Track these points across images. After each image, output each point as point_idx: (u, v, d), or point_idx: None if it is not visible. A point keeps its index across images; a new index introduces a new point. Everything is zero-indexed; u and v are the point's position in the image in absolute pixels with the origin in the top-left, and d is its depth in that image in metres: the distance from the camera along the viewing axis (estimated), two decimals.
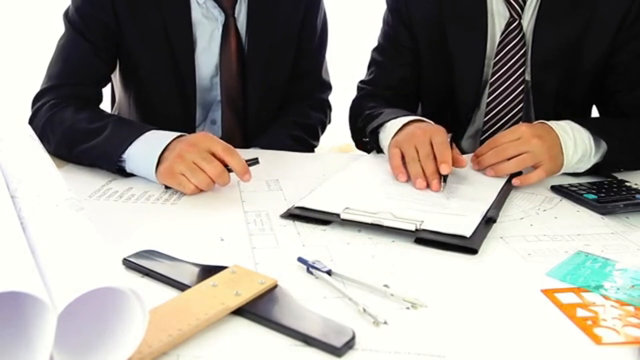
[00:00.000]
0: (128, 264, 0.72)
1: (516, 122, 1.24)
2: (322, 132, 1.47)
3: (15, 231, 0.56)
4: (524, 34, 1.21)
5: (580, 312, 0.65)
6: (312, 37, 1.41)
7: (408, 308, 0.65)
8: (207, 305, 0.61)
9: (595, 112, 1.34)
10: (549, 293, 0.69)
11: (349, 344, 0.57)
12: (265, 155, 1.07)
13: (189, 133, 1.03)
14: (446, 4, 1.25)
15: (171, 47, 1.24)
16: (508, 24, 1.22)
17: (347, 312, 0.64)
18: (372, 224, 0.84)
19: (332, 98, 1.51)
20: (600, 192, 1.00)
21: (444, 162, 0.99)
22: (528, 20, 1.22)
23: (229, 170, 0.97)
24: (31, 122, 1.17)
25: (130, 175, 1.03)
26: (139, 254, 0.74)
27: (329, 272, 0.71)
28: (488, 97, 1.25)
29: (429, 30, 1.28)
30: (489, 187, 1.00)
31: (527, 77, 1.24)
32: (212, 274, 0.68)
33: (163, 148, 0.98)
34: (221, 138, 1.16)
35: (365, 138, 1.23)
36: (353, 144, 1.38)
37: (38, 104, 1.18)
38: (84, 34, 1.20)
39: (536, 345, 0.60)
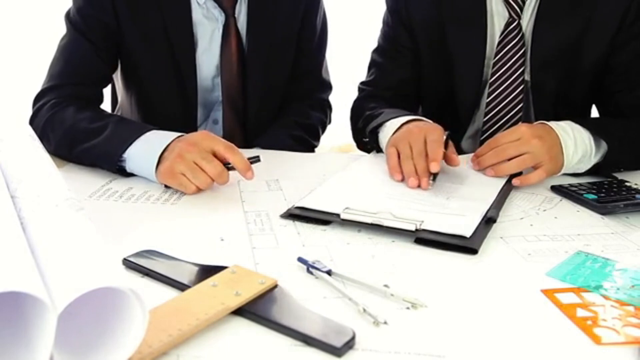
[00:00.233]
0: (128, 264, 0.72)
1: (516, 122, 1.24)
2: (323, 132, 1.47)
3: (15, 231, 0.56)
4: (523, 34, 1.21)
5: (580, 312, 0.65)
6: (312, 37, 1.41)
7: (408, 308, 0.65)
8: (207, 305, 0.61)
9: (595, 112, 1.34)
10: (549, 293, 0.69)
11: (349, 344, 0.57)
12: (265, 155, 1.07)
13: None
14: (446, 4, 1.25)
15: (172, 47, 1.24)
16: (507, 24, 1.22)
17: (347, 312, 0.64)
18: (372, 224, 0.84)
19: (332, 98, 1.51)
20: (600, 192, 1.00)
21: (433, 160, 1.00)
22: (527, 20, 1.22)
23: (229, 169, 0.97)
24: (32, 121, 1.17)
25: (130, 175, 1.03)
26: (139, 254, 0.74)
27: (329, 272, 0.71)
28: (488, 97, 1.25)
29: (428, 31, 1.28)
30: (489, 187, 1.00)
31: (527, 77, 1.24)
32: (212, 274, 0.68)
33: (163, 148, 0.98)
34: (222, 138, 1.16)
35: (366, 138, 1.23)
36: (353, 144, 1.38)
37: (39, 103, 1.18)
38: (85, 34, 1.20)
39: (536, 345, 0.60)
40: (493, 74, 1.24)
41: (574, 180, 1.06)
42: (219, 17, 1.27)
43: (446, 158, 1.06)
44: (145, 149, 1.00)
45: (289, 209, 0.90)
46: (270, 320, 0.61)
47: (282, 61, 1.36)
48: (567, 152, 1.05)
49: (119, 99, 1.43)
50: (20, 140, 0.75)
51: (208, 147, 0.96)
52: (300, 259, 0.73)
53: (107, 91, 1.36)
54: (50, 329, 0.47)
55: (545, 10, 1.19)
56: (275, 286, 0.67)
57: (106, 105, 1.40)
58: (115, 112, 1.45)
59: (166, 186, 0.99)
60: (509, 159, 1.04)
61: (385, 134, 1.14)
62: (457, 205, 0.92)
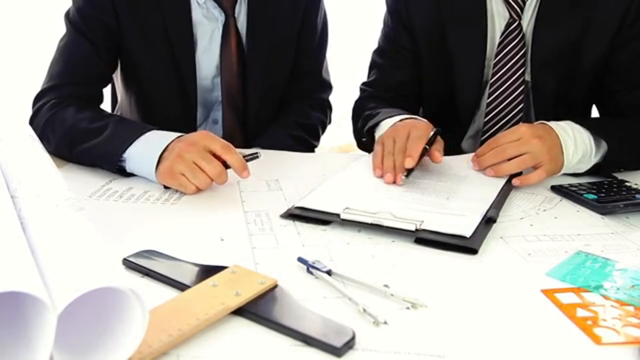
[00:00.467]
0: (128, 264, 0.72)
1: (516, 123, 1.24)
2: (323, 132, 1.47)
3: (15, 231, 0.56)
4: (523, 35, 1.21)
5: (580, 312, 0.65)
6: (312, 37, 1.41)
7: (408, 308, 0.65)
8: (207, 305, 0.61)
9: (595, 112, 1.34)
10: (549, 293, 0.69)
11: (349, 344, 0.58)
12: (265, 155, 1.07)
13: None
14: (445, 5, 1.25)
15: (171, 47, 1.24)
16: (508, 25, 1.22)
17: (347, 312, 0.64)
18: (372, 224, 0.84)
19: (333, 98, 1.51)
20: (600, 192, 1.00)
21: (408, 156, 1.01)
22: (528, 20, 1.22)
23: (227, 167, 0.97)
24: (32, 121, 1.17)
25: (130, 175, 1.03)
26: (139, 254, 0.74)
27: (329, 272, 0.71)
28: (488, 98, 1.25)
29: (428, 31, 1.28)
30: (489, 187, 1.00)
31: (527, 77, 1.24)
32: (212, 274, 0.68)
33: (163, 148, 0.98)
34: (222, 138, 1.16)
35: (364, 138, 1.23)
36: (353, 144, 1.39)
37: (39, 103, 1.18)
38: (85, 34, 1.20)
39: (536, 345, 0.60)
40: (493, 75, 1.24)
41: (574, 180, 1.06)
42: (219, 17, 1.27)
43: (429, 154, 1.06)
44: (145, 149, 1.00)
45: (289, 209, 0.90)
46: (270, 320, 0.61)
47: (282, 61, 1.36)
48: (567, 152, 1.05)
49: (119, 99, 1.43)
50: (20, 140, 0.75)
51: (206, 147, 0.96)
52: (300, 259, 0.73)
53: (107, 91, 1.36)
54: (50, 329, 0.47)
55: (545, 10, 1.19)
56: (275, 286, 0.67)
57: (106, 105, 1.40)
58: (115, 112, 1.45)
59: (165, 186, 0.99)
60: (509, 159, 1.04)
61: (379, 133, 1.15)
62: (457, 205, 0.92)
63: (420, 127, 1.07)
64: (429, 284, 0.71)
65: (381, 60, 1.37)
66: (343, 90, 1.60)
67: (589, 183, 1.05)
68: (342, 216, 0.85)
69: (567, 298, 0.68)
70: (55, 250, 0.54)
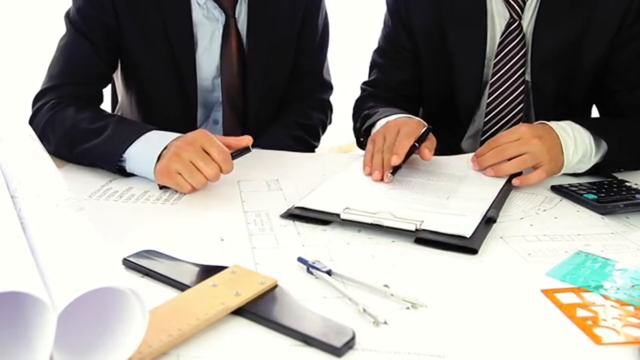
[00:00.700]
0: (128, 264, 0.72)
1: (516, 123, 1.24)
2: (323, 132, 1.47)
3: (15, 231, 0.56)
4: (524, 35, 1.21)
5: (580, 312, 0.65)
6: (313, 37, 1.41)
7: (408, 308, 0.65)
8: (207, 305, 0.61)
9: (595, 112, 1.34)
10: (549, 293, 0.69)
11: (349, 344, 0.58)
12: (265, 155, 1.07)
13: None
14: (445, 5, 1.25)
15: (172, 47, 1.24)
16: (508, 25, 1.22)
17: (347, 312, 0.64)
18: (372, 224, 0.84)
19: (333, 98, 1.51)
20: (600, 192, 1.00)
21: (395, 154, 1.01)
22: (528, 20, 1.22)
23: (233, 158, 0.99)
24: (31, 121, 1.17)
25: (130, 175, 1.03)
26: (139, 254, 0.74)
27: (329, 272, 0.71)
28: (488, 98, 1.25)
29: (428, 32, 1.28)
30: (489, 187, 1.00)
31: (527, 77, 1.24)
32: (212, 274, 0.68)
33: (162, 148, 0.98)
34: None
35: (362, 138, 1.23)
36: (353, 144, 1.39)
37: (39, 103, 1.18)
38: (85, 34, 1.20)
39: (536, 345, 0.60)
40: (493, 75, 1.24)
41: (574, 180, 1.06)
42: (219, 17, 1.27)
43: (418, 152, 1.06)
44: (145, 149, 1.00)
45: (289, 209, 0.90)
46: (270, 320, 0.61)
47: (283, 61, 1.36)
48: (567, 152, 1.05)
49: (119, 99, 1.43)
50: (20, 140, 0.75)
51: (204, 147, 0.96)
52: (300, 259, 0.74)
53: (107, 91, 1.36)
54: (50, 329, 0.47)
55: (545, 10, 1.19)
56: (275, 286, 0.67)
57: (106, 105, 1.40)
58: (115, 112, 1.45)
59: (160, 186, 0.99)
60: (509, 159, 1.04)
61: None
62: (457, 205, 0.92)
63: (410, 125, 1.07)
64: (429, 284, 0.71)
65: (381, 60, 1.37)
66: (343, 90, 1.60)
67: (589, 183, 1.05)
68: (342, 216, 0.85)
69: (567, 298, 0.68)
70: (55, 250, 0.54)
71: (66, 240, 0.55)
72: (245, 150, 1.02)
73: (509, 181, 1.04)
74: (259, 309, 0.63)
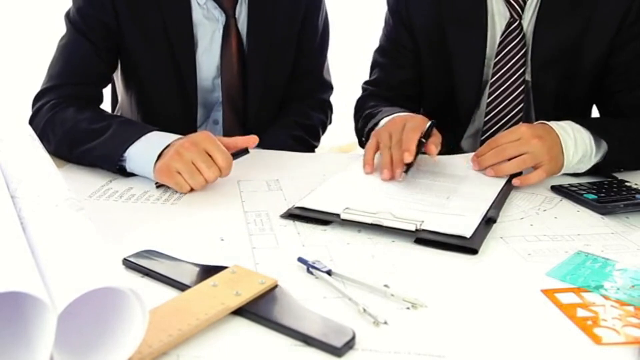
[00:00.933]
0: (128, 264, 0.72)
1: (516, 122, 1.24)
2: (323, 132, 1.47)
3: (15, 231, 0.56)
4: (524, 35, 1.21)
5: (580, 312, 0.65)
6: (313, 37, 1.41)
7: (408, 308, 0.65)
8: (207, 305, 0.61)
9: (595, 112, 1.34)
10: (549, 293, 0.69)
11: (349, 344, 0.58)
12: (265, 155, 1.07)
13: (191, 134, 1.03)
14: (446, 4, 1.25)
15: (172, 47, 1.24)
16: (508, 24, 1.22)
17: (347, 312, 0.64)
18: (372, 224, 0.84)
19: (333, 98, 1.51)
20: (600, 192, 1.00)
21: (406, 150, 1.00)
22: (528, 20, 1.22)
23: (234, 158, 0.99)
24: (31, 121, 1.17)
25: (131, 175, 1.03)
26: (139, 254, 0.74)
27: (329, 272, 0.71)
28: (488, 97, 1.25)
29: (429, 31, 1.28)
30: (489, 187, 1.00)
31: (527, 77, 1.24)
32: (212, 274, 0.68)
33: (163, 148, 0.98)
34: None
35: (364, 138, 1.23)
36: (353, 144, 1.39)
37: (39, 103, 1.18)
38: (85, 34, 1.20)
39: (536, 345, 0.60)
40: (494, 74, 1.24)
41: (574, 180, 1.06)
42: (220, 17, 1.27)
43: (425, 147, 1.05)
44: (146, 148, 1.00)
45: (289, 209, 0.90)
46: (270, 320, 0.61)
47: (283, 61, 1.36)
48: (567, 152, 1.05)
49: (119, 99, 1.43)
50: (20, 140, 0.75)
51: (207, 150, 0.96)
52: (300, 259, 0.74)
53: (107, 91, 1.36)
54: (50, 329, 0.47)
55: (546, 10, 1.19)
56: (276, 286, 0.67)
57: (106, 105, 1.40)
58: (115, 112, 1.45)
59: (157, 184, 0.98)
60: (509, 159, 1.04)
61: None
62: (457, 205, 0.92)
63: (415, 119, 1.06)
64: (429, 284, 0.71)
65: (383, 59, 1.37)
66: (343, 90, 1.60)
67: (589, 183, 1.05)
68: (342, 216, 0.85)
69: (567, 298, 0.68)
70: (55, 250, 0.54)
71: (66, 241, 0.55)
72: (244, 151, 1.03)
73: (509, 181, 1.04)
74: (259, 309, 0.63)
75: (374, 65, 1.40)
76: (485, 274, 0.74)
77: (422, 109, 1.41)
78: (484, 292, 0.70)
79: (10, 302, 0.52)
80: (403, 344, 0.59)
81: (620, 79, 1.21)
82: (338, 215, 0.86)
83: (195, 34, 1.26)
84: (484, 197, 0.95)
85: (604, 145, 1.08)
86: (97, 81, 1.25)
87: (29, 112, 1.19)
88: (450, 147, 1.31)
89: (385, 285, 0.68)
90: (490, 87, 1.25)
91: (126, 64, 1.30)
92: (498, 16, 1.24)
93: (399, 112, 1.18)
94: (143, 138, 1.02)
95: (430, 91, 1.36)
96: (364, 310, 0.63)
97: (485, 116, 1.26)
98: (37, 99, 1.19)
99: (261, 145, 1.27)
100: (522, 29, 1.21)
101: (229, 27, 1.27)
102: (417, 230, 0.82)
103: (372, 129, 1.19)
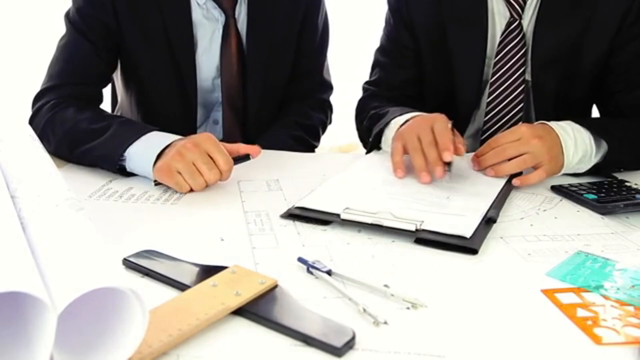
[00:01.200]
0: (128, 264, 0.72)
1: (516, 122, 1.24)
2: (323, 132, 1.47)
3: (15, 231, 0.56)
4: (524, 34, 1.21)
5: (580, 312, 0.65)
6: (313, 37, 1.41)
7: (408, 308, 0.65)
8: (207, 305, 0.61)
9: (595, 112, 1.34)
10: (549, 293, 0.69)
11: (349, 344, 0.57)
12: (265, 155, 1.07)
13: (191, 134, 1.03)
14: (446, 4, 1.25)
15: (171, 47, 1.24)
16: (508, 24, 1.22)
17: (347, 312, 0.64)
18: (372, 224, 0.84)
19: (333, 98, 1.51)
20: (600, 192, 1.00)
21: (446, 150, 0.99)
22: (528, 20, 1.22)
23: (236, 162, 0.99)
24: (31, 121, 1.17)
25: (130, 175, 1.03)
26: (139, 254, 0.74)
27: (329, 272, 0.71)
28: (488, 97, 1.25)
29: (429, 31, 1.28)
30: (489, 187, 1.00)
31: (528, 77, 1.24)
32: (212, 274, 0.68)
33: (163, 147, 0.98)
34: (222, 138, 1.16)
35: (370, 138, 1.22)
36: (353, 143, 1.39)
37: (39, 103, 1.18)
38: (85, 34, 1.20)
39: (536, 345, 0.60)
40: (494, 74, 1.24)
41: (574, 180, 1.06)
42: (219, 17, 1.27)
43: (455, 149, 1.04)
44: (146, 148, 1.00)
45: (289, 209, 0.90)
46: (270, 320, 0.61)
47: (282, 61, 1.36)
48: (568, 152, 1.05)
49: (119, 99, 1.43)
50: (20, 140, 0.75)
51: (209, 152, 0.96)
52: (300, 259, 0.73)
53: (107, 91, 1.36)
54: (50, 329, 0.47)
55: (546, 10, 1.19)
56: (275, 286, 0.67)
57: (106, 105, 1.40)
58: (115, 112, 1.45)
59: (156, 182, 0.98)
60: (509, 159, 1.04)
61: (390, 131, 1.14)
62: (457, 205, 0.92)
63: (441, 120, 1.04)
64: (429, 284, 0.71)
65: (384, 59, 1.37)
66: (343, 90, 1.60)
67: (589, 183, 1.05)
68: (342, 216, 0.85)
69: (567, 298, 0.68)
70: (55, 250, 0.54)
71: (66, 241, 0.55)
72: (245, 157, 1.02)
73: (509, 181, 1.04)
74: (259, 309, 0.63)
75: (375, 65, 1.40)
76: (485, 274, 0.74)
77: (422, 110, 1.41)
78: (484, 292, 0.70)
79: (10, 302, 0.52)
80: (403, 344, 0.59)
81: (620, 79, 1.21)
82: (338, 215, 0.86)
83: (195, 34, 1.26)
84: (484, 197, 0.95)
85: (604, 145, 1.08)
86: (97, 81, 1.25)
87: (29, 112, 1.19)
88: None
89: (385, 285, 0.68)
90: (490, 87, 1.25)
91: (126, 64, 1.30)
92: (498, 16, 1.24)
93: (407, 111, 1.17)
94: (143, 138, 1.02)
95: (430, 91, 1.36)
96: (364, 310, 0.63)
97: (485, 116, 1.26)
98: (37, 99, 1.19)
99: (261, 145, 1.27)
100: (522, 28, 1.21)
101: (229, 27, 1.27)
102: (417, 230, 0.82)
103: (382, 129, 1.19)
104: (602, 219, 0.92)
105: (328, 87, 1.50)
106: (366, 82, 1.41)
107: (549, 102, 1.24)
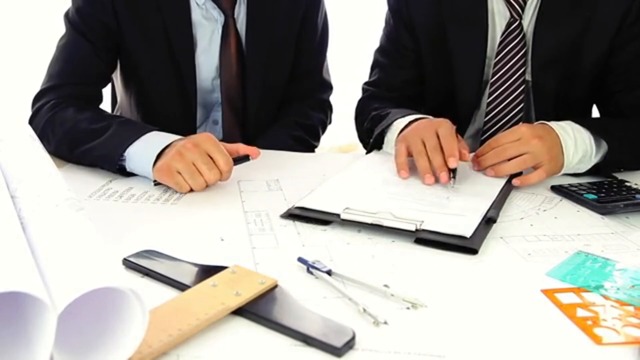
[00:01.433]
0: (128, 264, 0.72)
1: (516, 122, 1.24)
2: (323, 132, 1.47)
3: (15, 231, 0.56)
4: (524, 34, 1.21)
5: (580, 312, 0.65)
6: (313, 37, 1.41)
7: (408, 308, 0.65)
8: (207, 305, 0.61)
9: (595, 112, 1.34)
10: (549, 293, 0.69)
11: (349, 344, 0.57)
12: (265, 155, 1.07)
13: (190, 134, 1.03)
14: (446, 4, 1.25)
15: (171, 47, 1.24)
16: (508, 24, 1.22)
17: (347, 312, 0.64)
18: (372, 224, 0.84)
19: (333, 98, 1.51)
20: (600, 192, 1.00)
21: (451, 156, 0.99)
22: (528, 20, 1.22)
23: (235, 163, 0.99)
24: (31, 121, 1.17)
25: (130, 175, 1.03)
26: (139, 254, 0.74)
27: (329, 272, 0.71)
28: (488, 97, 1.25)
29: (429, 31, 1.28)
30: (489, 187, 1.00)
31: (528, 77, 1.24)
32: (212, 274, 0.68)
33: (163, 147, 0.98)
34: (222, 138, 1.15)
35: (371, 139, 1.22)
36: (353, 144, 1.39)
37: (38, 103, 1.18)
38: (85, 34, 1.20)
39: (536, 345, 0.60)
40: (494, 74, 1.24)
41: (574, 180, 1.06)
42: (219, 17, 1.27)
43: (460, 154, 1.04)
44: (145, 148, 1.00)
45: (289, 209, 0.90)
46: (270, 320, 0.61)
47: (282, 61, 1.36)
48: (568, 152, 1.05)
49: (119, 99, 1.43)
50: (20, 140, 0.75)
51: (209, 152, 0.96)
52: (300, 259, 0.73)
53: (106, 91, 1.36)
54: (50, 329, 0.47)
55: (546, 10, 1.19)
56: (275, 286, 0.67)
57: (106, 105, 1.40)
58: (115, 112, 1.45)
59: (155, 182, 0.98)
60: (509, 159, 1.04)
61: (393, 133, 1.14)
62: (457, 205, 0.92)
63: (445, 124, 1.04)
64: (429, 284, 0.71)
65: (384, 59, 1.37)
66: (343, 90, 1.60)
67: (589, 183, 1.05)
68: (342, 216, 0.85)
69: (567, 298, 0.68)
70: (55, 250, 0.54)
71: (66, 241, 0.55)
72: (245, 158, 1.03)
73: (509, 181, 1.04)
74: (259, 309, 0.63)
75: (375, 66, 1.40)
76: (485, 274, 0.74)
77: (422, 109, 1.41)
78: (484, 292, 0.70)
79: (10, 302, 0.52)
80: (403, 344, 0.59)
81: (620, 79, 1.21)
82: (338, 215, 0.86)
83: (195, 34, 1.26)
84: (484, 197, 0.95)
85: (604, 145, 1.08)
86: (97, 81, 1.25)
87: (29, 112, 1.19)
88: None
89: (385, 285, 0.68)
90: (490, 87, 1.25)
91: (126, 64, 1.30)
92: (498, 16, 1.24)
93: (409, 113, 1.17)
94: (143, 138, 1.02)
95: (430, 91, 1.36)
96: (364, 310, 0.63)
97: (486, 116, 1.26)
98: (37, 99, 1.19)
99: (261, 145, 1.27)
100: (522, 28, 1.21)
101: (228, 27, 1.27)
102: (417, 230, 0.82)
103: (383, 131, 1.19)
104: (602, 219, 0.92)
105: (328, 87, 1.50)
106: (366, 83, 1.41)
107: (549, 102, 1.24)
